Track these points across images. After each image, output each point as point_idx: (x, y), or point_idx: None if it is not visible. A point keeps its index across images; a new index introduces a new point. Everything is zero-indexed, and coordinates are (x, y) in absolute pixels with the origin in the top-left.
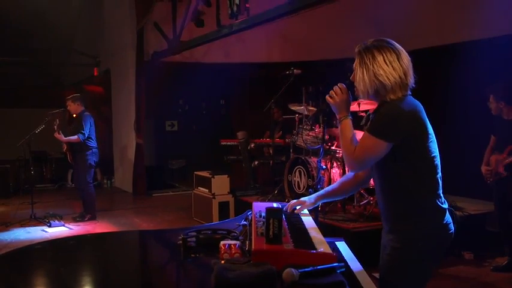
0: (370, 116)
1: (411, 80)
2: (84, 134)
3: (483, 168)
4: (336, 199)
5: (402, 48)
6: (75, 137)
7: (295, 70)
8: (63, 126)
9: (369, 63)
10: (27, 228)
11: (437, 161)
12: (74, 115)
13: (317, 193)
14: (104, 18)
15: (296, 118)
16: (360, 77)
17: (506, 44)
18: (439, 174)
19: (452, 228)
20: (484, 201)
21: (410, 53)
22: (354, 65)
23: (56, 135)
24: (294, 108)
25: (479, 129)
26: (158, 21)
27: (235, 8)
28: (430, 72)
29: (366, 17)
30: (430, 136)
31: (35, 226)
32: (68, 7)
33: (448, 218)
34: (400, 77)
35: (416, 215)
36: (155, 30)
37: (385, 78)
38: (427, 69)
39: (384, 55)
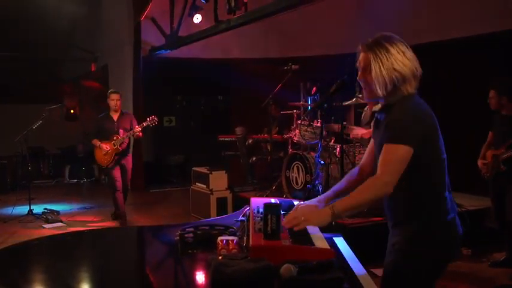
0: (376, 115)
1: (420, 71)
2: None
3: (479, 162)
4: None
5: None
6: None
7: (293, 66)
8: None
9: (384, 57)
10: (24, 224)
11: (446, 162)
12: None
13: (325, 194)
14: (102, 13)
15: (294, 114)
16: (377, 72)
17: (507, 39)
18: (447, 176)
19: (460, 230)
20: (482, 197)
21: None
22: (358, 63)
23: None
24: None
25: (477, 125)
26: (156, 17)
27: (233, 3)
28: (430, 68)
29: (365, 11)
30: (439, 135)
31: (33, 222)
32: (67, 2)
33: (452, 216)
34: (415, 67)
35: (423, 215)
36: (153, 26)
37: (403, 68)
38: (426, 64)
39: (397, 47)
